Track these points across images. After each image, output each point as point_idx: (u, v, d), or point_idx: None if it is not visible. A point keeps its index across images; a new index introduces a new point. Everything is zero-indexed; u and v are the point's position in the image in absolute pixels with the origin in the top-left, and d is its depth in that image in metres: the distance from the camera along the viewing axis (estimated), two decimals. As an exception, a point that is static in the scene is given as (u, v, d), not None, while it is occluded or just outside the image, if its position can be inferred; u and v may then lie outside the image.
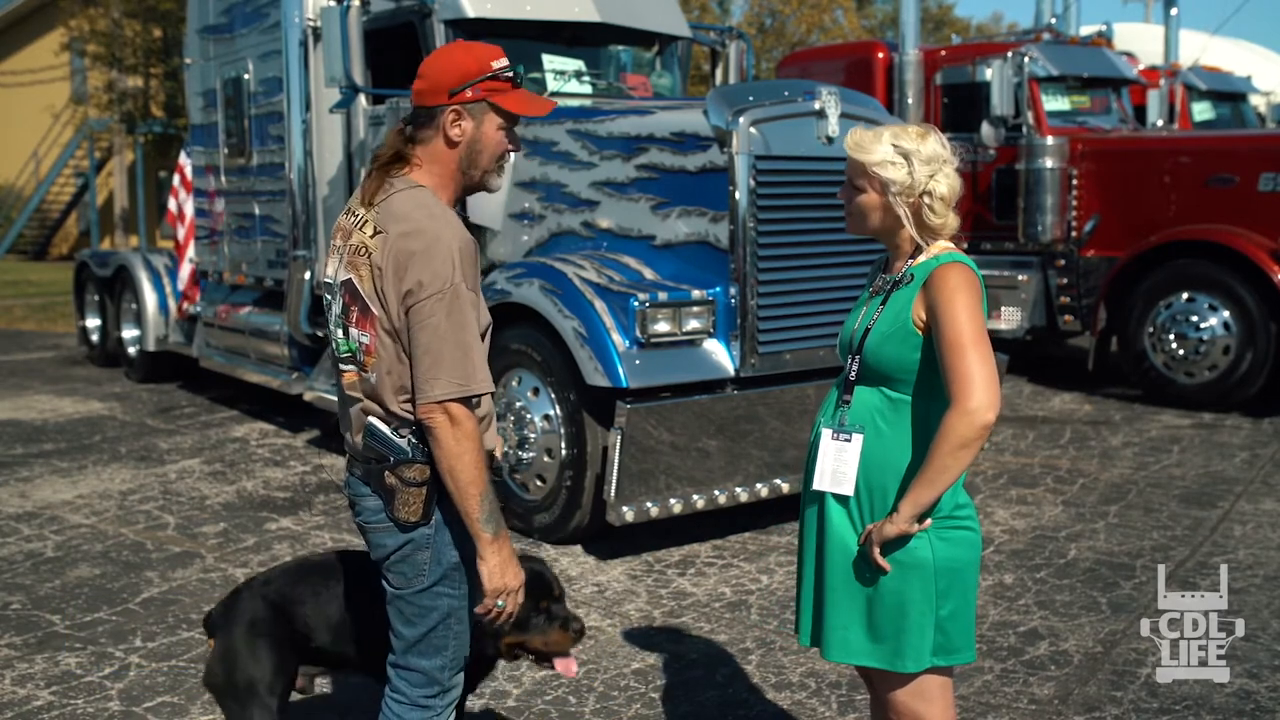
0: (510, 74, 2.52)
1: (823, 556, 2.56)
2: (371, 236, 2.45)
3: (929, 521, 2.44)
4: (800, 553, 2.70)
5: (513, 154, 2.61)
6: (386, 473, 2.48)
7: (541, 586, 2.98)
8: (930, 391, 2.46)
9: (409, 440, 2.47)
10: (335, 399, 2.82)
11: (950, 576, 2.47)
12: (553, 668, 3.01)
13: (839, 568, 2.52)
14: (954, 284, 2.39)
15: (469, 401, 2.39)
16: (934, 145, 2.46)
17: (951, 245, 2.52)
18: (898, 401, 2.49)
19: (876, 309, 2.52)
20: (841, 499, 2.52)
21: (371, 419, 2.49)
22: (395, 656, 2.62)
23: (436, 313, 2.36)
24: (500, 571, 2.44)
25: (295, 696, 3.01)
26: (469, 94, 2.48)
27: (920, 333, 2.44)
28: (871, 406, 2.50)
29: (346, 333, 2.50)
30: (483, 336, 2.48)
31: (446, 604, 2.56)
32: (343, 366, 2.55)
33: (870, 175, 2.47)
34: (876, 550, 2.43)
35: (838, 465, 2.51)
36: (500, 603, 2.47)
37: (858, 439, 2.49)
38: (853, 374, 2.53)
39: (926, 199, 2.46)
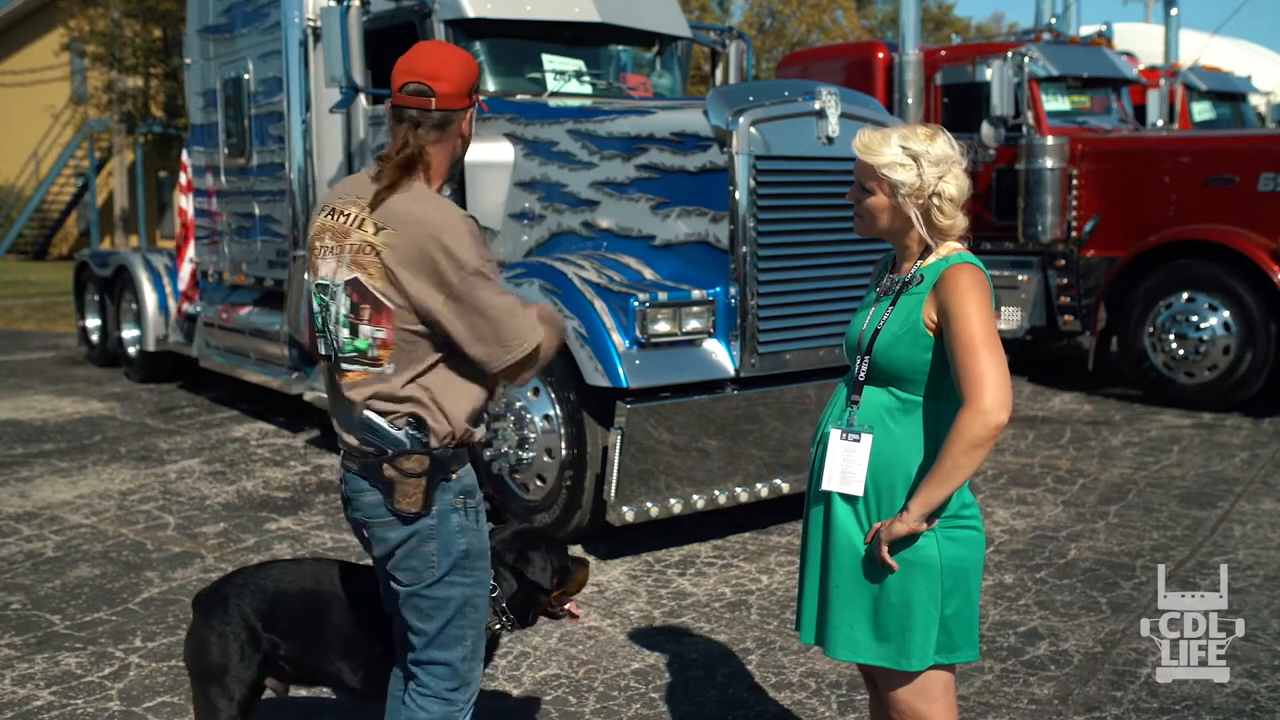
0: None
1: (829, 555, 2.57)
2: (375, 234, 2.47)
3: (936, 520, 2.44)
4: (804, 552, 2.70)
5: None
6: (385, 465, 2.50)
7: (541, 535, 3.07)
8: (940, 392, 2.46)
9: (406, 432, 2.49)
10: None
11: (956, 575, 2.48)
12: (560, 617, 3.03)
13: (846, 567, 2.53)
14: (965, 285, 2.39)
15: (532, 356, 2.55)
16: (943, 146, 2.46)
17: (960, 246, 2.52)
18: (907, 401, 2.49)
19: (885, 310, 2.52)
20: (849, 499, 2.53)
21: (369, 414, 2.50)
22: (416, 653, 2.65)
23: (483, 288, 2.48)
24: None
25: (268, 695, 3.01)
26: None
27: (931, 334, 2.44)
28: (881, 406, 2.51)
29: (355, 331, 2.50)
30: None
31: (461, 593, 2.59)
32: (346, 366, 2.54)
33: (879, 177, 2.47)
34: (885, 549, 2.43)
35: (846, 465, 2.51)
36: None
37: (867, 439, 2.49)
38: (861, 374, 2.54)
39: (935, 200, 2.46)
